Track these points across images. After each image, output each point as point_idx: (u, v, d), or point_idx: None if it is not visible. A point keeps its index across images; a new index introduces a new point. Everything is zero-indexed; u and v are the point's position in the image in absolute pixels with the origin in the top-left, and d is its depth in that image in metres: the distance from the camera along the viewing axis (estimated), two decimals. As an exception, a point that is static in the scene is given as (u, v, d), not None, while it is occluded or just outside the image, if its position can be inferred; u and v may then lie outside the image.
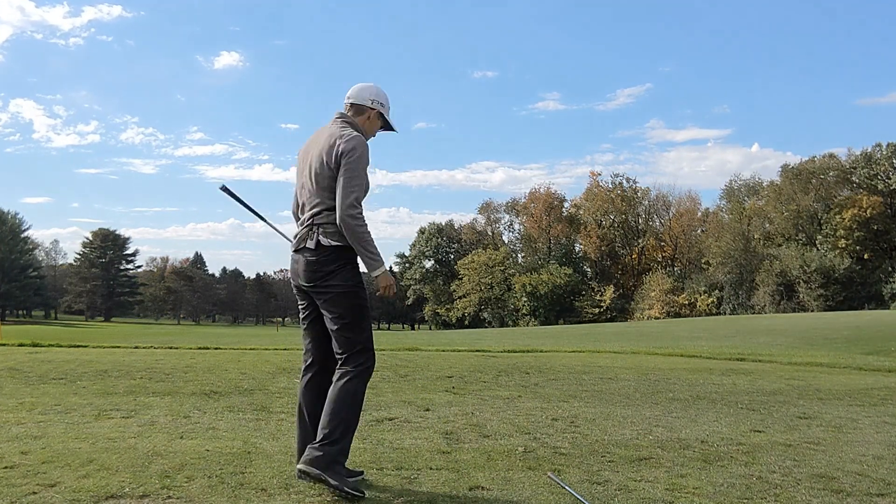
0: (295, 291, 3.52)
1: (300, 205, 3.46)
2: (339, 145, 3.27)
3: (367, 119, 3.49)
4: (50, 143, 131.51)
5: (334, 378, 3.31)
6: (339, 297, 3.31)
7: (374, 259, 3.29)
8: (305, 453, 3.20)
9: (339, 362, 3.32)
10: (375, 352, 3.43)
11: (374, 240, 3.29)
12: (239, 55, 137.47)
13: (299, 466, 3.21)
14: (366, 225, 3.27)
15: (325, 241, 3.30)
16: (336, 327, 3.32)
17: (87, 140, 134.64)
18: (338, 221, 3.24)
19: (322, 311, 3.37)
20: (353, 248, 3.29)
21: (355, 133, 3.34)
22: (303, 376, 3.49)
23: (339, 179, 3.25)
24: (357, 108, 3.49)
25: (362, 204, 3.29)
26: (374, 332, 3.57)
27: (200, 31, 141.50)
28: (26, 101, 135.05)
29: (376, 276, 3.32)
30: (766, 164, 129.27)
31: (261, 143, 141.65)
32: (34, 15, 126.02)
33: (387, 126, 3.58)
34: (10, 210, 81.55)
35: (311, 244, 3.32)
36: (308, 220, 3.36)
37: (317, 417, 3.33)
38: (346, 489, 3.06)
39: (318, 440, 3.20)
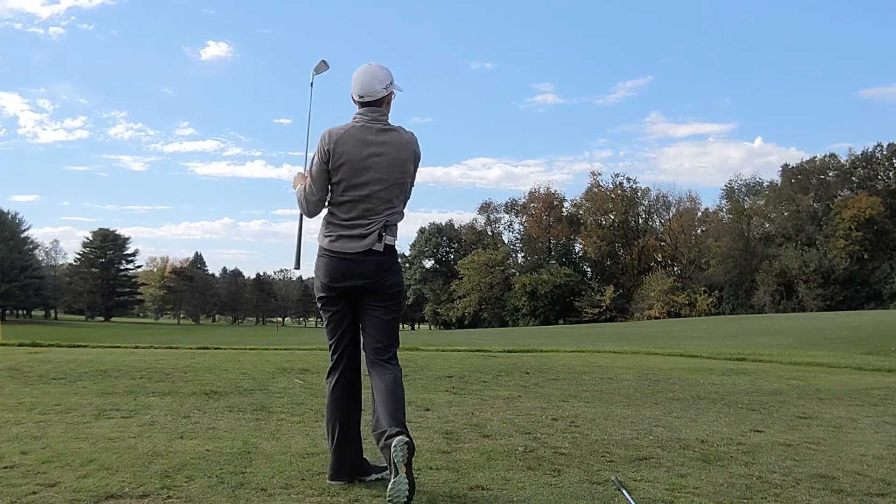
0: (332, 293, 3.35)
1: (367, 207, 3.29)
2: (415, 151, 3.38)
3: (389, 105, 3.41)
4: (36, 139, 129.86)
5: (385, 370, 3.28)
6: (398, 294, 3.40)
7: None
8: (398, 433, 3.03)
9: (387, 355, 3.33)
10: None
11: None
12: (227, 45, 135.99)
13: (404, 439, 2.99)
14: None
15: (390, 241, 3.34)
16: (389, 320, 3.36)
17: (75, 136, 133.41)
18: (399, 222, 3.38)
19: (373, 307, 3.34)
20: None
21: (404, 128, 3.39)
22: (337, 381, 3.40)
23: (408, 183, 3.40)
24: (385, 99, 3.34)
25: None
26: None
27: (185, 19, 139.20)
28: (10, 95, 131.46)
29: None
30: (769, 160, 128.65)
31: (253, 138, 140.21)
32: (11, 1, 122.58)
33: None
34: (11, 210, 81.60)
35: (379, 247, 3.29)
36: (380, 222, 3.29)
37: (348, 423, 3.36)
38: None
39: (399, 427, 3.07)
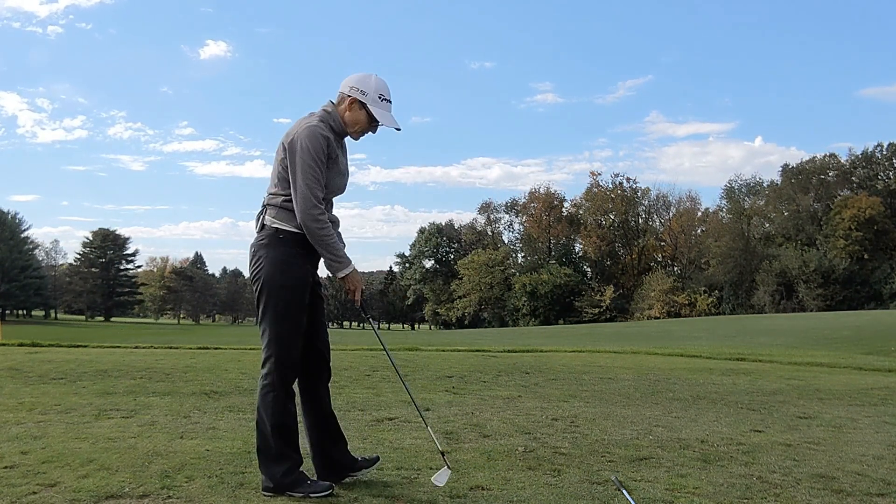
0: None
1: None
2: (289, 140, 3.12)
3: (346, 109, 3.21)
4: (35, 139, 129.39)
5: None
6: (255, 283, 3.18)
7: (336, 261, 3.14)
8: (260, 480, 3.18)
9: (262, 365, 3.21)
10: (294, 366, 3.19)
11: (336, 240, 3.16)
12: (226, 45, 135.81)
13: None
14: (328, 225, 3.11)
15: (268, 221, 3.18)
16: (259, 316, 3.21)
17: (74, 135, 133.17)
18: (299, 222, 3.09)
19: None
20: (295, 234, 3.14)
21: (309, 123, 3.14)
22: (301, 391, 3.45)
23: (291, 176, 3.10)
24: (339, 97, 3.25)
25: (323, 201, 3.15)
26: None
27: (183, 18, 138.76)
28: (9, 94, 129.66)
29: (341, 278, 3.15)
30: (769, 159, 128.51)
31: (253, 138, 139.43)
32: (9, 0, 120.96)
33: (372, 117, 3.21)
34: (10, 210, 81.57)
35: (258, 227, 3.25)
36: (264, 201, 3.25)
37: (314, 424, 3.33)
38: (312, 496, 3.04)
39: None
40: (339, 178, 3.27)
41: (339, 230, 3.48)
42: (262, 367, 3.18)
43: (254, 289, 3.20)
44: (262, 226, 3.23)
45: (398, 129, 3.29)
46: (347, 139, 3.37)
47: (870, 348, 17.12)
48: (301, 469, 3.15)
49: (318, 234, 3.09)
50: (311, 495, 3.05)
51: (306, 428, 3.35)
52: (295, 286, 3.14)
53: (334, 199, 3.41)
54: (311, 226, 3.07)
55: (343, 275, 3.14)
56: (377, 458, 3.42)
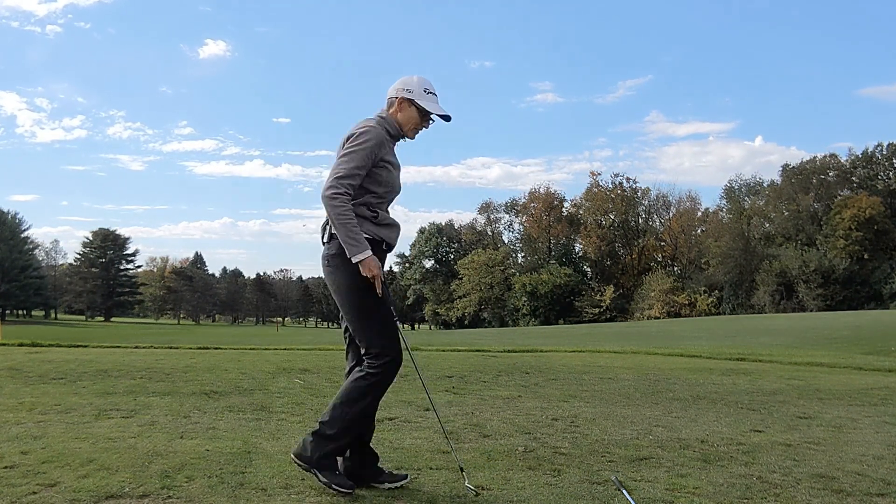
0: None
1: None
2: (350, 131, 3.27)
3: (398, 110, 3.36)
4: (34, 139, 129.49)
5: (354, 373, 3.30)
6: (337, 292, 3.27)
7: (351, 244, 3.13)
8: (299, 443, 3.24)
9: (363, 355, 3.27)
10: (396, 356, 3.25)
11: (355, 223, 3.15)
12: (225, 44, 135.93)
13: (299, 440, 3.29)
14: (346, 206, 3.13)
15: (334, 230, 3.25)
16: (348, 318, 3.30)
17: (73, 135, 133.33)
18: (321, 198, 3.15)
19: None
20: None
21: (368, 120, 3.34)
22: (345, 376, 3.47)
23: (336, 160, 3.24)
24: (388, 103, 3.41)
25: (383, 201, 3.29)
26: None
27: (182, 17, 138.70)
28: (8, 94, 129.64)
29: (356, 262, 3.15)
30: (770, 159, 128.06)
31: (252, 137, 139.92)
32: None
33: (423, 111, 3.35)
34: (10, 210, 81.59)
35: (325, 237, 3.32)
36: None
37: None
38: (334, 487, 3.09)
39: (315, 428, 3.23)
40: (397, 179, 3.40)
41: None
42: (372, 357, 3.21)
43: (337, 299, 3.29)
44: (331, 236, 3.28)
45: (448, 119, 3.41)
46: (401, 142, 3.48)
47: (870, 348, 17.12)
48: (337, 458, 3.24)
49: (334, 213, 3.13)
50: (334, 486, 3.11)
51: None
52: (370, 286, 3.21)
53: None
54: (328, 203, 3.14)
55: (357, 259, 3.14)
56: (405, 476, 3.34)
